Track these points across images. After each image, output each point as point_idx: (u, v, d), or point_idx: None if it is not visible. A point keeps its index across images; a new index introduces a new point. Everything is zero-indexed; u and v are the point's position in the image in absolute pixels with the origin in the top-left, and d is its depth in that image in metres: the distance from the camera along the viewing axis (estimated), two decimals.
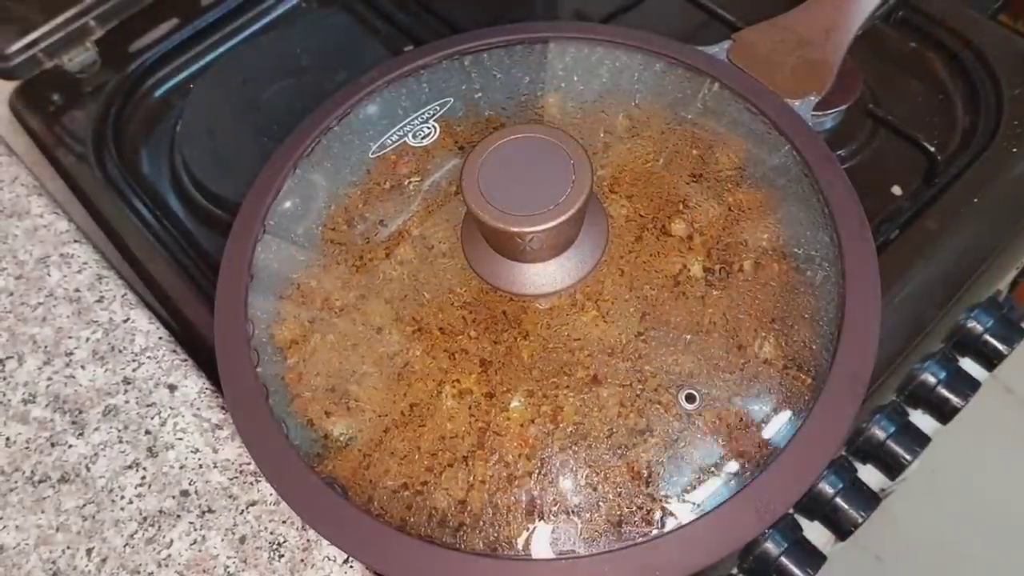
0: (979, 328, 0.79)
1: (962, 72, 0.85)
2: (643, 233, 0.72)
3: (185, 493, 0.65)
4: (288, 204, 0.73)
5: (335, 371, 0.69)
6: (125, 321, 0.73)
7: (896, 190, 0.79)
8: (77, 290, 0.75)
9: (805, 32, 0.72)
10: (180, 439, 0.67)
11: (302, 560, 0.62)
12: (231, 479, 0.65)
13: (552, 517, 0.61)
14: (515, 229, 0.57)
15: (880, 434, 0.74)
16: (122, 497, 0.65)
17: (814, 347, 0.66)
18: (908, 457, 0.74)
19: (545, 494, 0.63)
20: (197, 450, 0.66)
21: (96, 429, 0.68)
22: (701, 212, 0.72)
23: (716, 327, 0.68)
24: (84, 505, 0.65)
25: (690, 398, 0.65)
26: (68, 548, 0.63)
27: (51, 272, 0.76)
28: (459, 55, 0.76)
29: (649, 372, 0.66)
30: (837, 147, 0.67)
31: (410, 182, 0.77)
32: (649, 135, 0.76)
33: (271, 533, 0.63)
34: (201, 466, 0.66)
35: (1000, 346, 0.79)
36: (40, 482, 0.66)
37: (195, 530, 0.63)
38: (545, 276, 0.66)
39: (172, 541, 0.63)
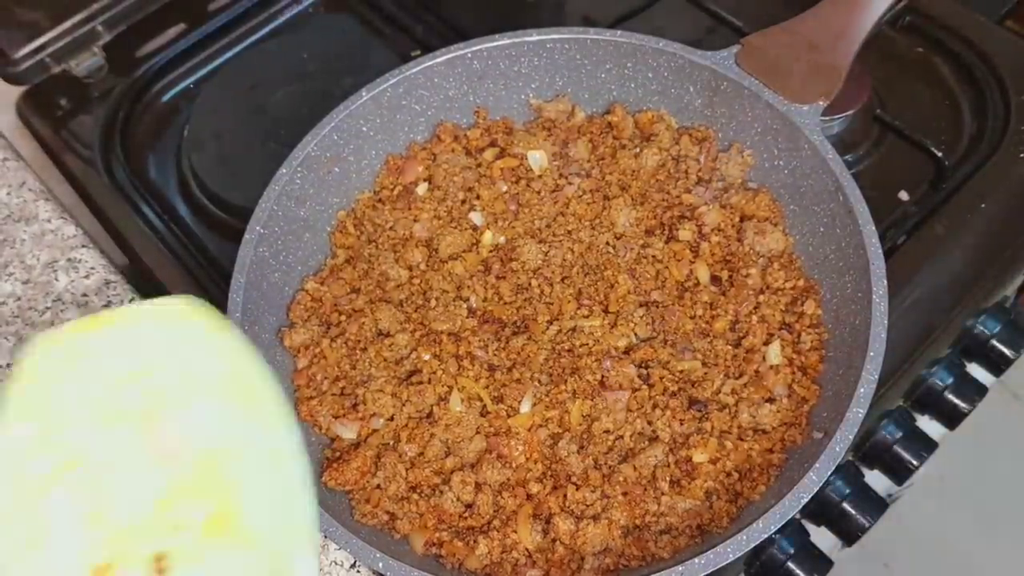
0: (986, 333, 0.78)
1: (969, 77, 0.85)
2: (651, 239, 0.72)
3: None
4: (298, 210, 0.73)
5: (344, 375, 0.69)
6: None
7: (903, 195, 0.79)
8: (85, 295, 0.75)
9: (814, 37, 0.72)
10: None
11: None
12: None
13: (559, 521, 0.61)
14: None
15: (887, 439, 0.74)
16: None
17: (822, 353, 0.66)
18: (915, 462, 0.74)
19: (553, 498, 0.63)
20: None
21: None
22: (709, 219, 0.72)
23: (724, 332, 0.68)
24: None
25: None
26: None
27: (59, 277, 0.76)
28: (467, 60, 0.76)
29: (656, 377, 0.67)
30: (845, 152, 0.67)
31: (419, 187, 0.78)
32: (657, 141, 0.76)
33: None
34: None
35: (1007, 351, 0.79)
36: None
37: None
38: None
39: None
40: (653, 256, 0.71)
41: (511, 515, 0.62)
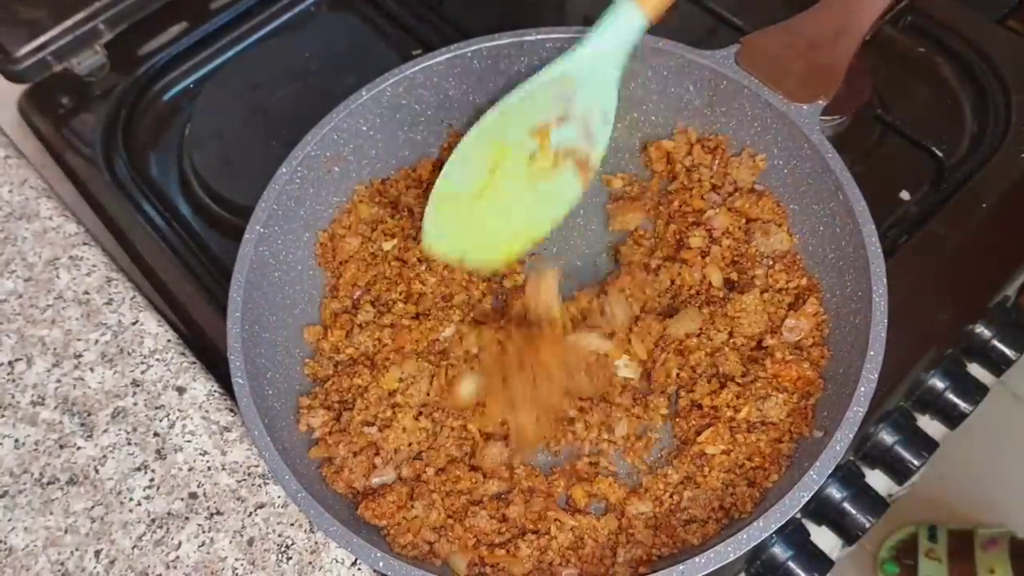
0: (987, 334, 0.78)
1: (970, 77, 0.85)
2: (660, 245, 0.73)
3: (193, 495, 0.65)
4: (298, 209, 0.73)
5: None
6: (134, 323, 0.73)
7: (904, 195, 0.79)
8: (86, 292, 0.75)
9: (813, 36, 0.72)
10: (189, 441, 0.67)
11: (310, 563, 0.62)
12: (239, 481, 0.65)
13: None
14: None
15: (888, 439, 0.74)
16: (131, 499, 0.65)
17: (824, 350, 0.66)
18: (916, 462, 0.74)
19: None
20: (205, 452, 0.67)
21: (105, 431, 0.68)
22: (718, 222, 0.72)
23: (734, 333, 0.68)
24: (93, 507, 0.65)
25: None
26: (76, 550, 0.63)
27: (60, 274, 0.76)
28: (467, 59, 0.76)
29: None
30: (845, 152, 0.67)
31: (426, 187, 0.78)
32: (661, 146, 0.76)
33: (279, 536, 0.63)
34: (209, 468, 0.66)
35: (1008, 351, 0.79)
36: (49, 484, 0.66)
37: (203, 532, 0.63)
38: None
39: (180, 543, 0.63)
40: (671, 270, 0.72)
41: (540, 518, 0.63)
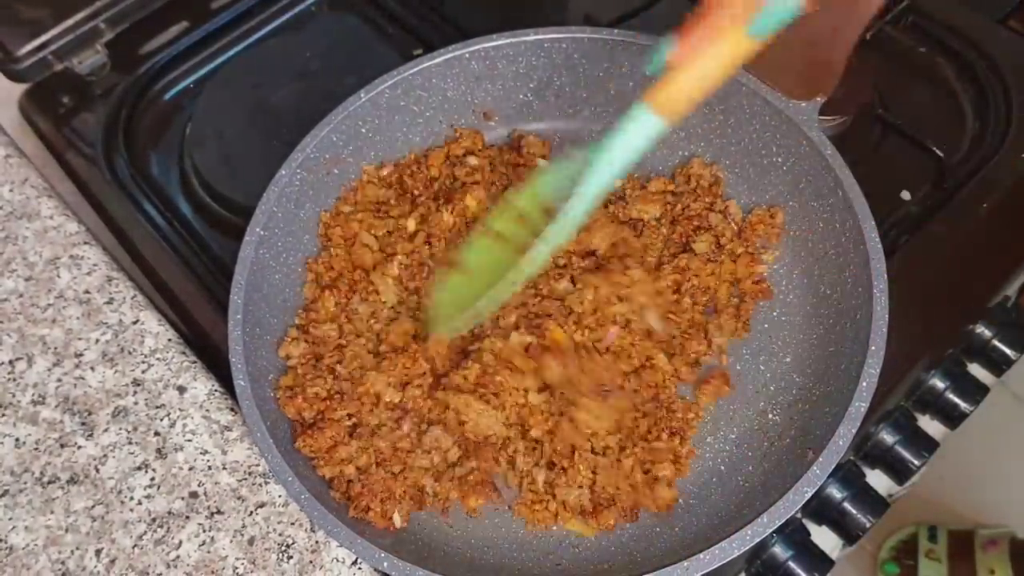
0: (987, 334, 0.78)
1: (971, 77, 0.85)
2: (667, 244, 0.73)
3: (194, 494, 0.65)
4: (298, 211, 0.73)
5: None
6: (135, 323, 0.73)
7: (905, 195, 0.79)
8: (87, 292, 0.75)
9: (811, 33, 0.71)
10: (189, 440, 0.67)
11: (311, 562, 0.62)
12: (240, 480, 0.65)
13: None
14: None
15: (888, 439, 0.74)
16: (131, 498, 0.65)
17: (827, 351, 0.66)
18: (916, 462, 0.74)
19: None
20: (206, 451, 0.67)
21: (105, 430, 0.68)
22: (724, 227, 0.72)
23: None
24: (93, 506, 0.65)
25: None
26: (77, 549, 0.63)
27: (61, 273, 0.76)
28: (465, 60, 0.76)
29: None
30: (846, 152, 0.67)
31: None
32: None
33: (280, 535, 0.63)
34: (210, 467, 0.66)
35: (1008, 351, 0.79)
36: (49, 483, 0.66)
37: (204, 531, 0.63)
38: None
39: (181, 542, 0.63)
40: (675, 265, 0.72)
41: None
